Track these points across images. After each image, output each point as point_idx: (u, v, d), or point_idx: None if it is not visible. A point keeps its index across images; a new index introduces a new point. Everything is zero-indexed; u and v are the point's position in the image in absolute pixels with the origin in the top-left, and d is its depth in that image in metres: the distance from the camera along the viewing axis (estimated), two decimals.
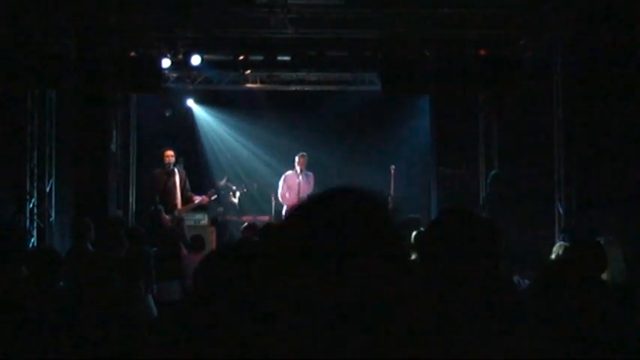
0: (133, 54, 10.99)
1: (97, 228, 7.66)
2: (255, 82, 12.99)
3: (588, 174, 10.02)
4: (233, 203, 14.11)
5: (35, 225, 10.91)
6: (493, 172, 11.00)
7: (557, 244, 6.61)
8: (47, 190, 11.05)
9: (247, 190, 14.29)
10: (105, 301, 4.90)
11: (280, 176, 12.62)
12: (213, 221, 12.87)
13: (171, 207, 11.21)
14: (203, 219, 12.29)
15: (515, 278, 5.80)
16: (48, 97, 11.09)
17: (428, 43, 10.89)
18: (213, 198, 12.15)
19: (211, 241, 11.79)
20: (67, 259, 6.46)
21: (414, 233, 6.71)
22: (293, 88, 13.15)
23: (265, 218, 13.15)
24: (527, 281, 5.63)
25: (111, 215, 10.64)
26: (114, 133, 11.59)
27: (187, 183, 11.60)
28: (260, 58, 11.40)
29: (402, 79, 11.10)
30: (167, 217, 11.13)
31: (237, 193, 14.24)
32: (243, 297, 3.19)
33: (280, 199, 12.55)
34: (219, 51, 11.54)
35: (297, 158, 12.28)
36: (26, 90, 10.75)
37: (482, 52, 10.81)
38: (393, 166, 12.66)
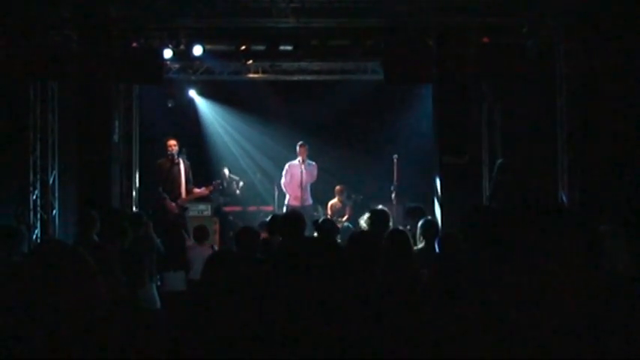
0: (134, 45, 10.98)
1: (101, 219, 7.67)
2: (258, 72, 12.99)
3: (592, 163, 10.01)
4: (235, 194, 14.14)
5: (39, 217, 10.94)
6: (499, 161, 10.99)
7: None
8: (50, 181, 11.07)
9: (243, 184, 14.31)
10: (109, 293, 4.90)
11: (283, 166, 12.62)
12: (217, 212, 12.90)
13: (174, 196, 11.24)
14: (206, 209, 12.33)
15: None
16: (50, 89, 11.10)
17: (430, 32, 10.86)
18: (219, 188, 12.16)
19: (215, 232, 11.83)
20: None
21: (420, 222, 6.72)
22: (295, 77, 13.15)
23: (269, 208, 13.19)
24: None
25: (112, 207, 10.62)
26: (116, 124, 11.58)
27: (190, 175, 11.62)
28: (262, 48, 11.38)
29: (404, 68, 11.07)
30: (173, 204, 11.16)
31: (240, 184, 14.27)
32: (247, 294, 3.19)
33: (283, 188, 12.57)
34: (221, 41, 11.52)
35: (297, 148, 12.29)
36: (28, 82, 10.75)
37: (485, 40, 10.78)
38: (395, 155, 12.67)
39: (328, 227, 6.83)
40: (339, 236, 8.12)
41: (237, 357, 2.97)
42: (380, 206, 9.43)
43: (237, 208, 13.85)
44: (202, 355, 3.06)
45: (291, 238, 5.70)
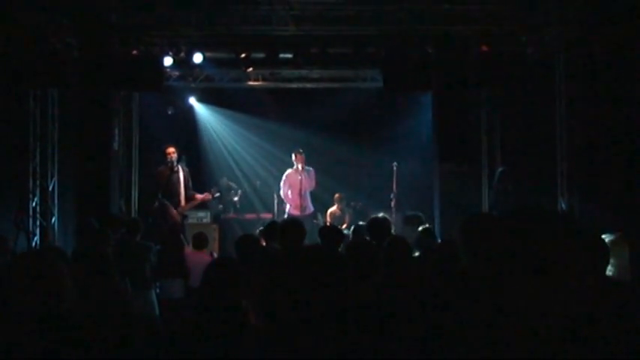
0: (135, 52, 10.99)
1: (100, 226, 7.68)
2: (257, 80, 12.99)
3: (591, 170, 10.01)
4: (234, 202, 14.13)
5: (38, 224, 10.92)
6: (500, 169, 11.01)
7: None
8: (50, 188, 11.06)
9: (242, 192, 14.30)
10: (106, 299, 4.89)
11: (282, 173, 12.61)
12: (216, 219, 12.88)
13: (174, 204, 11.24)
14: (206, 217, 12.32)
15: None
16: (50, 96, 11.10)
17: (430, 40, 10.88)
18: (216, 195, 12.14)
19: (214, 239, 11.81)
20: (72, 258, 6.45)
21: (418, 230, 6.71)
22: (295, 85, 13.14)
23: (268, 216, 13.17)
24: None
25: (110, 213, 10.61)
26: (116, 131, 11.58)
27: (190, 182, 11.62)
28: (262, 55, 11.39)
29: (404, 76, 11.07)
30: (174, 210, 11.15)
31: (239, 191, 14.26)
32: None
33: (283, 197, 12.55)
34: (221, 49, 11.53)
35: (294, 155, 12.26)
36: (28, 89, 10.76)
37: (485, 49, 10.79)
38: (395, 163, 12.66)
39: (333, 235, 6.81)
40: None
41: None
42: (381, 214, 9.42)
43: (237, 216, 13.84)
44: None
45: (290, 246, 5.69)
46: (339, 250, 6.43)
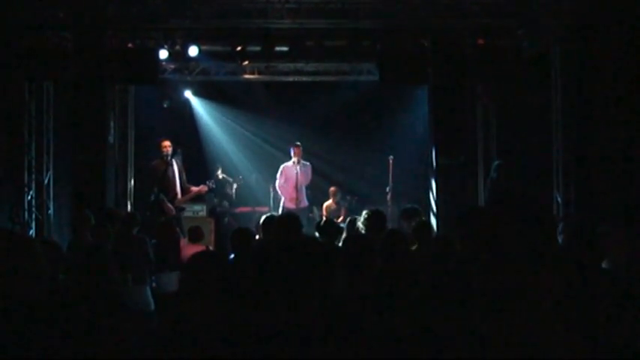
0: (130, 45, 10.96)
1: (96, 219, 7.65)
2: (253, 73, 12.97)
3: (587, 163, 10.02)
4: (230, 194, 14.12)
5: (34, 217, 10.90)
6: (496, 162, 11.02)
7: None
8: (45, 182, 11.04)
9: (241, 180, 14.28)
10: (103, 293, 4.89)
11: (278, 167, 12.61)
12: (212, 212, 12.88)
13: (171, 197, 11.22)
14: (202, 210, 12.31)
15: None
16: (45, 89, 11.06)
17: (426, 33, 10.87)
18: (211, 187, 12.14)
19: (210, 232, 11.81)
20: (68, 251, 6.46)
21: (413, 223, 6.71)
22: (291, 78, 13.13)
23: (264, 209, 13.17)
24: None
25: (106, 206, 10.59)
26: (112, 124, 11.55)
27: (184, 174, 11.61)
28: (258, 48, 11.38)
29: (400, 69, 11.08)
30: (170, 205, 11.13)
31: (234, 185, 14.25)
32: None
33: (278, 190, 12.56)
34: (216, 42, 11.52)
35: (292, 149, 12.28)
36: (24, 82, 10.72)
37: (481, 42, 10.79)
38: (391, 157, 12.66)
39: (330, 229, 6.80)
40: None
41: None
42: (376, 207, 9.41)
43: (233, 209, 13.84)
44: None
45: (286, 238, 5.68)
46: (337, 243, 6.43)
